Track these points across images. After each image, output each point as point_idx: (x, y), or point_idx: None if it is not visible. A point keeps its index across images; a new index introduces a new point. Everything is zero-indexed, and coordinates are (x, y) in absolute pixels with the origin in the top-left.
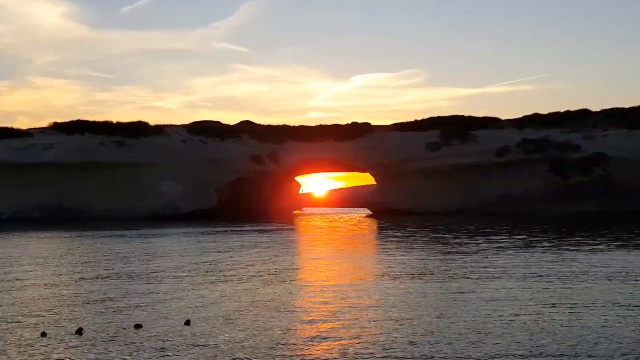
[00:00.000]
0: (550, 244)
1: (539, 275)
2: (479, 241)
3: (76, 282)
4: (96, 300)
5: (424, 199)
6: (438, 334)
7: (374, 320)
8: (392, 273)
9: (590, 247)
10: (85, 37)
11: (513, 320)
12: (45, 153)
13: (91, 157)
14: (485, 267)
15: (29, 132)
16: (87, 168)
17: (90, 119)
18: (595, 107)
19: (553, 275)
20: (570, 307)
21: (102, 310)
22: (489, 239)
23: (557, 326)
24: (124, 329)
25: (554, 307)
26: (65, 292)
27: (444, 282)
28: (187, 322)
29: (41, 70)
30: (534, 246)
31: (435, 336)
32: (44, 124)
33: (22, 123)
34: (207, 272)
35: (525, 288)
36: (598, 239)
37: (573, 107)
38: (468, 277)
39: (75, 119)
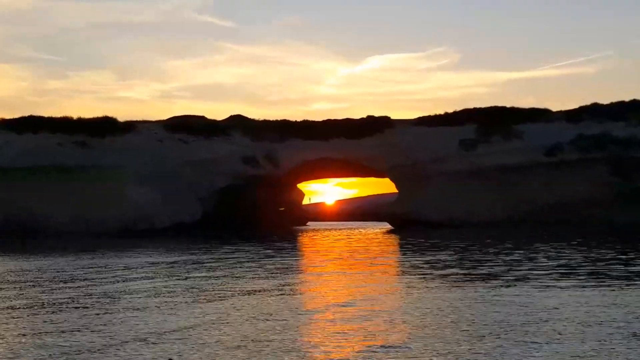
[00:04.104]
0: None
1: None
2: None
3: None
4: None
5: (457, 208)
6: None
7: None
8: None
9: None
10: (34, 10)
11: None
12: None
13: (47, 160)
14: None
15: None
16: (42, 173)
17: (43, 112)
18: None
19: None
20: None
21: None
22: None
23: None
24: None
25: None
26: None
27: None
28: None
29: None
30: None
31: None
32: None
33: None
34: None
35: None
36: None
37: None
38: None
39: (25, 112)
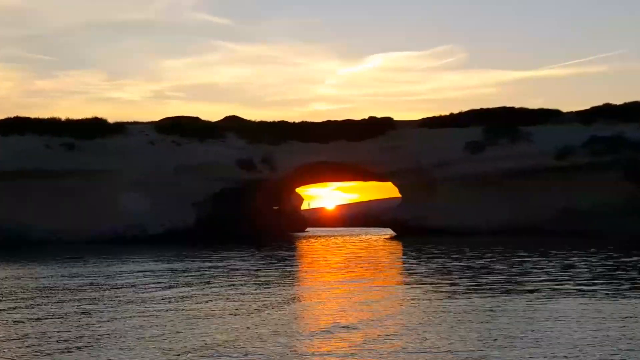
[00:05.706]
0: None
1: None
2: None
3: None
4: None
5: (463, 214)
6: None
7: None
8: None
9: None
10: (20, 8)
11: None
12: None
13: (33, 163)
14: None
15: None
16: (28, 177)
17: (31, 114)
18: None
19: None
20: None
21: None
22: None
23: None
24: None
25: None
26: None
27: None
28: None
29: None
30: None
31: None
32: None
33: None
34: None
35: None
36: None
37: None
38: None
39: (11, 114)
